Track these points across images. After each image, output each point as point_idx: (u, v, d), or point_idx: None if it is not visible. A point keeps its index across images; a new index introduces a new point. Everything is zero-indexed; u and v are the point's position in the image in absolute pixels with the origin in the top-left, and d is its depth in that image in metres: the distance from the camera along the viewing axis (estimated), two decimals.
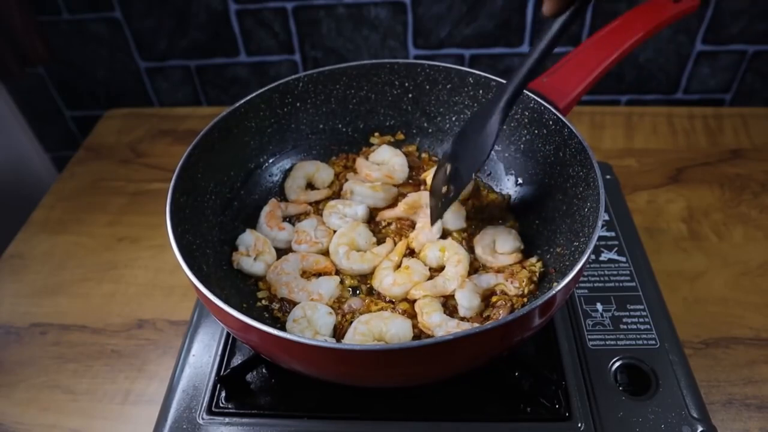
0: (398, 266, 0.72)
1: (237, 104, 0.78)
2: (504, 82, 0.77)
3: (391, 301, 0.70)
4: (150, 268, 0.97)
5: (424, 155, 0.89)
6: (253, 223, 0.80)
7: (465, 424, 0.64)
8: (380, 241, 0.77)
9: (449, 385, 0.66)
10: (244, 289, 0.72)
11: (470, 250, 0.74)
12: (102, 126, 1.32)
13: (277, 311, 0.70)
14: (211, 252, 0.72)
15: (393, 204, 0.82)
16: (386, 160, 0.86)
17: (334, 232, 0.77)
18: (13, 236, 1.06)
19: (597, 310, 0.74)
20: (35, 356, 0.85)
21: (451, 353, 0.52)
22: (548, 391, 0.64)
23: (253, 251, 0.74)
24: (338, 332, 0.67)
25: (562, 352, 0.69)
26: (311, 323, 0.65)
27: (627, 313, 0.73)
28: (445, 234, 0.77)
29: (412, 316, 0.68)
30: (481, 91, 0.81)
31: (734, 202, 1.01)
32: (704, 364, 0.76)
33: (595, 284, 0.77)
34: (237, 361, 0.71)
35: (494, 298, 0.69)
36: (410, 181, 0.86)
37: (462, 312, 0.67)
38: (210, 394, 0.68)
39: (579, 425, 0.62)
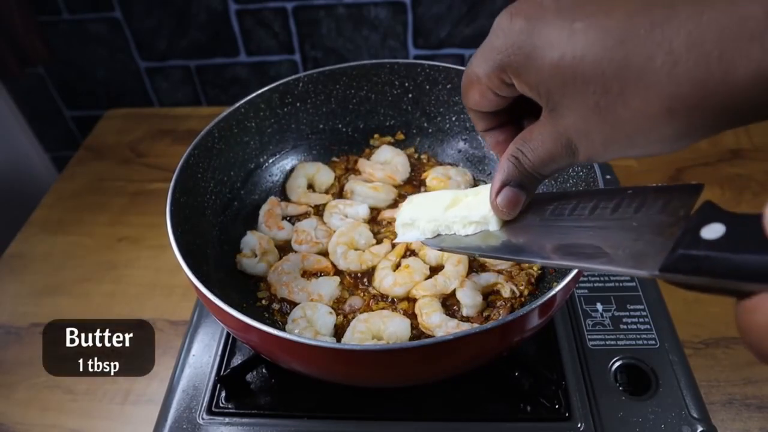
0: (397, 266, 0.72)
1: (237, 104, 0.78)
2: None
3: (392, 300, 0.70)
4: (150, 268, 0.97)
5: (423, 156, 0.89)
6: (253, 223, 0.80)
7: (465, 424, 0.64)
8: (380, 242, 0.77)
9: (449, 385, 0.66)
10: (244, 289, 0.72)
11: None
12: (102, 126, 1.32)
13: (277, 311, 0.70)
14: (211, 252, 0.72)
15: (393, 204, 0.82)
16: (389, 160, 0.86)
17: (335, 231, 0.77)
18: (13, 236, 1.06)
19: (597, 310, 0.74)
20: (35, 356, 0.84)
21: (451, 353, 0.52)
22: (548, 390, 0.64)
23: (259, 250, 0.74)
24: (339, 332, 0.67)
25: (562, 352, 0.69)
26: (311, 323, 0.66)
27: (627, 313, 0.73)
28: None
29: (412, 315, 0.68)
30: None
31: (734, 202, 1.01)
32: (704, 364, 0.76)
33: (595, 284, 0.77)
34: (237, 361, 0.71)
35: (493, 298, 0.69)
36: (412, 181, 0.86)
37: (465, 311, 0.67)
38: (210, 394, 0.68)
39: (579, 425, 0.62)
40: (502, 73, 0.40)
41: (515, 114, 0.48)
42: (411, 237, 0.61)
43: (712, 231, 0.31)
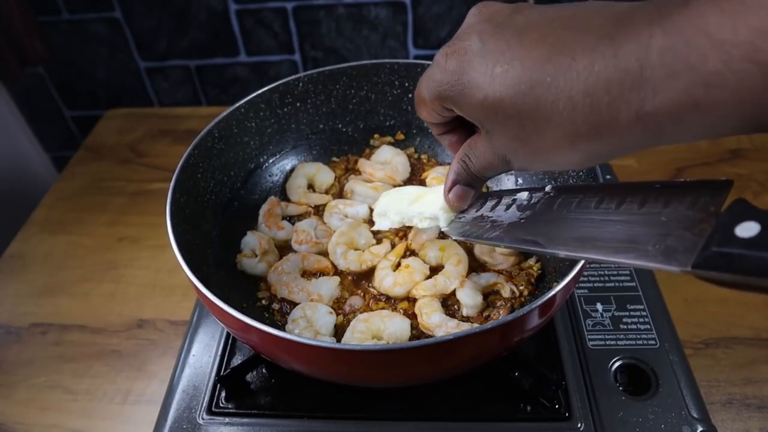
0: (397, 266, 0.72)
1: (237, 104, 0.78)
2: None
3: (392, 300, 0.70)
4: (150, 268, 0.97)
5: (423, 156, 0.89)
6: (253, 223, 0.80)
7: (465, 424, 0.64)
8: (379, 242, 0.77)
9: (449, 385, 0.66)
10: (244, 289, 0.72)
11: (468, 251, 0.74)
12: (102, 126, 1.32)
13: (277, 311, 0.70)
14: (211, 252, 0.72)
15: None
16: (389, 160, 0.86)
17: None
18: (13, 236, 1.06)
19: (597, 310, 0.74)
20: (35, 356, 0.85)
21: (451, 353, 0.52)
22: (548, 390, 0.64)
23: (260, 250, 0.74)
24: (339, 332, 0.67)
25: (562, 352, 0.69)
26: (311, 323, 0.66)
27: (627, 313, 0.73)
28: (444, 233, 0.77)
29: (412, 315, 0.68)
30: None
31: None
32: (704, 364, 0.76)
33: (595, 284, 0.77)
34: (237, 361, 0.71)
35: (493, 298, 0.69)
36: (412, 181, 0.86)
37: (465, 311, 0.67)
38: (210, 394, 0.68)
39: (579, 425, 0.62)
40: (442, 102, 0.47)
41: (465, 119, 0.51)
42: (383, 225, 0.69)
43: (747, 229, 0.31)
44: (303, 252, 0.75)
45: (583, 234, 0.45)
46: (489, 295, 0.70)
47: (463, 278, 0.69)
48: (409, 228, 0.78)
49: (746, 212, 0.32)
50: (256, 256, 0.74)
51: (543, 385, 0.65)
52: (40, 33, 1.26)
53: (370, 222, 0.79)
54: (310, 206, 0.82)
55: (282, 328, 0.67)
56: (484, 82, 0.41)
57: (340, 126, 0.89)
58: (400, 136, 0.90)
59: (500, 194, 0.58)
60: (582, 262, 0.54)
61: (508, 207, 0.55)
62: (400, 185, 0.84)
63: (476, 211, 0.58)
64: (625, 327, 0.72)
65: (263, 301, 0.71)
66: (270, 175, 0.86)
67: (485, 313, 0.68)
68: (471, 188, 0.54)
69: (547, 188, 0.53)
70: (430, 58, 1.28)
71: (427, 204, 0.63)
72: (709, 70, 0.30)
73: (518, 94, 0.39)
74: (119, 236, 1.04)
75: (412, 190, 0.68)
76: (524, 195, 0.55)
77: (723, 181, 0.39)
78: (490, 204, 0.57)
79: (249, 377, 0.69)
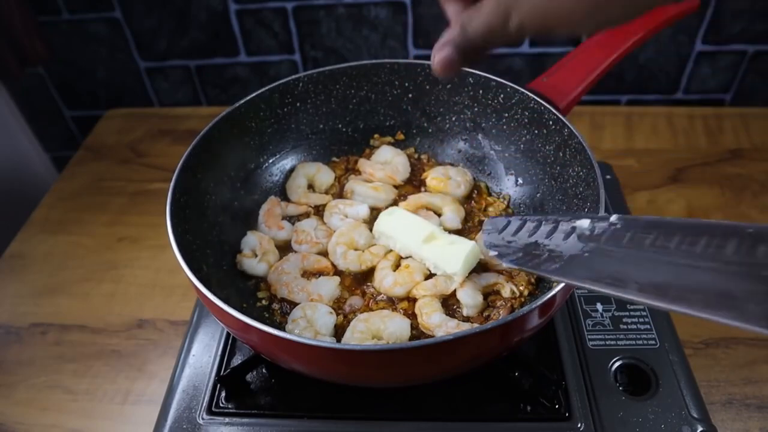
0: (397, 266, 0.72)
1: (237, 104, 0.78)
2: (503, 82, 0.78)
3: (392, 300, 0.70)
4: (150, 268, 0.97)
5: (423, 156, 0.89)
6: (253, 223, 0.80)
7: (465, 424, 0.64)
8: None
9: (449, 385, 0.66)
10: (244, 289, 0.72)
11: None
12: (102, 126, 1.32)
13: (277, 311, 0.70)
14: (211, 252, 0.72)
15: (393, 204, 0.82)
16: (389, 160, 0.86)
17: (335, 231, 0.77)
18: (13, 236, 1.06)
19: (597, 310, 0.74)
20: (35, 356, 0.85)
21: (451, 353, 0.52)
22: (548, 390, 0.64)
23: (260, 250, 0.74)
24: (339, 332, 0.67)
25: (562, 352, 0.69)
26: (311, 323, 0.66)
27: (627, 313, 0.73)
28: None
29: (412, 315, 0.68)
30: (481, 91, 0.81)
31: (734, 201, 1.01)
32: (704, 364, 0.76)
33: None
34: (237, 361, 0.71)
35: (494, 298, 0.69)
36: (412, 181, 0.86)
37: (465, 311, 0.67)
38: (210, 394, 0.68)
39: (579, 425, 0.62)
40: None
41: None
42: (383, 243, 0.73)
43: None
44: (303, 252, 0.75)
45: (663, 279, 0.39)
46: (489, 295, 0.70)
47: (463, 278, 0.69)
48: None
49: None
50: (256, 256, 0.74)
51: (543, 385, 0.65)
52: (40, 33, 1.26)
53: (371, 222, 0.80)
54: (310, 206, 0.82)
55: (282, 328, 0.67)
56: None
57: (340, 126, 0.89)
58: (400, 136, 0.90)
59: (557, 220, 0.53)
60: None
61: (567, 236, 0.50)
62: (400, 185, 0.84)
63: (529, 237, 0.53)
64: (625, 327, 0.72)
65: (263, 301, 0.71)
66: (270, 175, 0.86)
67: (485, 313, 0.68)
68: (459, 56, 0.52)
69: (612, 218, 0.47)
70: (430, 58, 1.28)
71: (442, 250, 0.68)
72: None
73: None
74: (119, 236, 1.04)
75: (424, 226, 0.70)
76: (585, 223, 0.49)
77: None
78: (545, 229, 0.53)
79: (249, 377, 0.69)
